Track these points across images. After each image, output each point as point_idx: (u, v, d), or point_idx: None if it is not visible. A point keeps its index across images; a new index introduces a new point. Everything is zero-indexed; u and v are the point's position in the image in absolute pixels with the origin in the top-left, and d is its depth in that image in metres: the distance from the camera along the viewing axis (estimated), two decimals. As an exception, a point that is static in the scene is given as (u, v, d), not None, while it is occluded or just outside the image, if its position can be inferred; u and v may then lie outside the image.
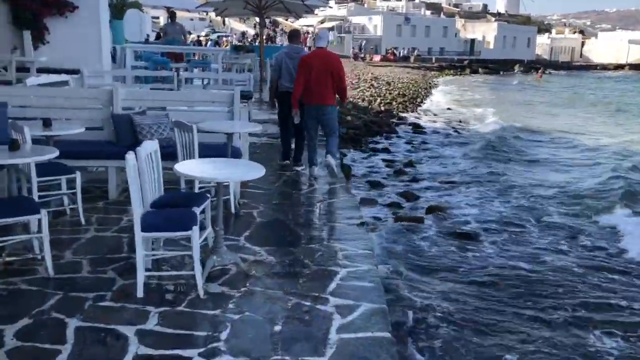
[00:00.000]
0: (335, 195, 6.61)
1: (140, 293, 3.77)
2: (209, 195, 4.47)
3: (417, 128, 19.48)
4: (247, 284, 4.05)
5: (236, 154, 6.02)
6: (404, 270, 6.25)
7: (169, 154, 5.64)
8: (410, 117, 22.29)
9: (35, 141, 5.12)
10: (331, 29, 66.23)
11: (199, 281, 3.82)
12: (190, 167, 4.00)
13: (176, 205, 4.18)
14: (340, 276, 4.25)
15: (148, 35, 15.94)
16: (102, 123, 6.26)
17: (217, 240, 4.18)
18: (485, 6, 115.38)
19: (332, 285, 4.09)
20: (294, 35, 7.87)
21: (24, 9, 9.38)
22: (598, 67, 77.02)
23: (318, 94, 7.02)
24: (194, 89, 10.01)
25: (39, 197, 4.96)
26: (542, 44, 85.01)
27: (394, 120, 20.43)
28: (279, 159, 8.01)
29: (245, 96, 10.65)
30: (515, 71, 63.99)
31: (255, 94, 11.93)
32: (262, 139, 9.72)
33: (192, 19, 69.42)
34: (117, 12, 13.54)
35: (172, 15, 13.64)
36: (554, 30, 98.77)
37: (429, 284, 6.06)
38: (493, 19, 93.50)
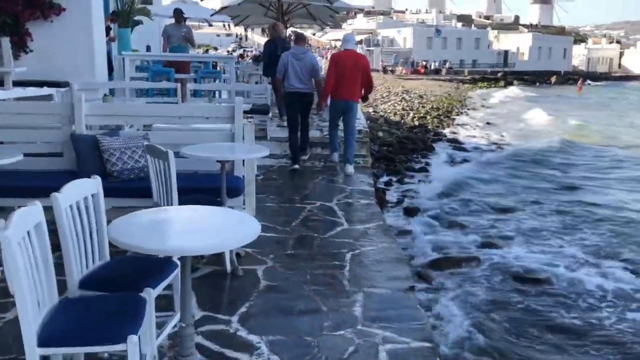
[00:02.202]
0: (370, 240, 4.94)
1: None
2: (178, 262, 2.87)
3: (456, 144, 17.68)
4: (231, 422, 2.42)
5: (235, 187, 4.42)
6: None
7: (145, 188, 4.09)
8: (447, 132, 20.48)
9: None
10: (359, 42, 64.89)
11: None
12: (135, 230, 2.38)
13: (121, 284, 2.60)
14: (385, 402, 2.59)
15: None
16: (61, 147, 4.74)
17: (184, 344, 2.55)
18: (517, 17, 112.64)
19: None
20: (300, 38, 8.11)
21: (2, 12, 8.00)
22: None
23: (348, 90, 7.26)
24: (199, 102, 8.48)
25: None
26: (579, 54, 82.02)
27: (429, 136, 18.65)
28: (289, 165, 7.74)
29: (262, 110, 9.11)
30: (552, 83, 61.54)
31: (275, 108, 10.36)
32: (280, 161, 8.14)
33: (218, 35, 68.88)
34: (123, 20, 12.22)
35: (177, 15, 11.14)
36: (590, 41, 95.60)
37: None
38: (526, 30, 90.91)
